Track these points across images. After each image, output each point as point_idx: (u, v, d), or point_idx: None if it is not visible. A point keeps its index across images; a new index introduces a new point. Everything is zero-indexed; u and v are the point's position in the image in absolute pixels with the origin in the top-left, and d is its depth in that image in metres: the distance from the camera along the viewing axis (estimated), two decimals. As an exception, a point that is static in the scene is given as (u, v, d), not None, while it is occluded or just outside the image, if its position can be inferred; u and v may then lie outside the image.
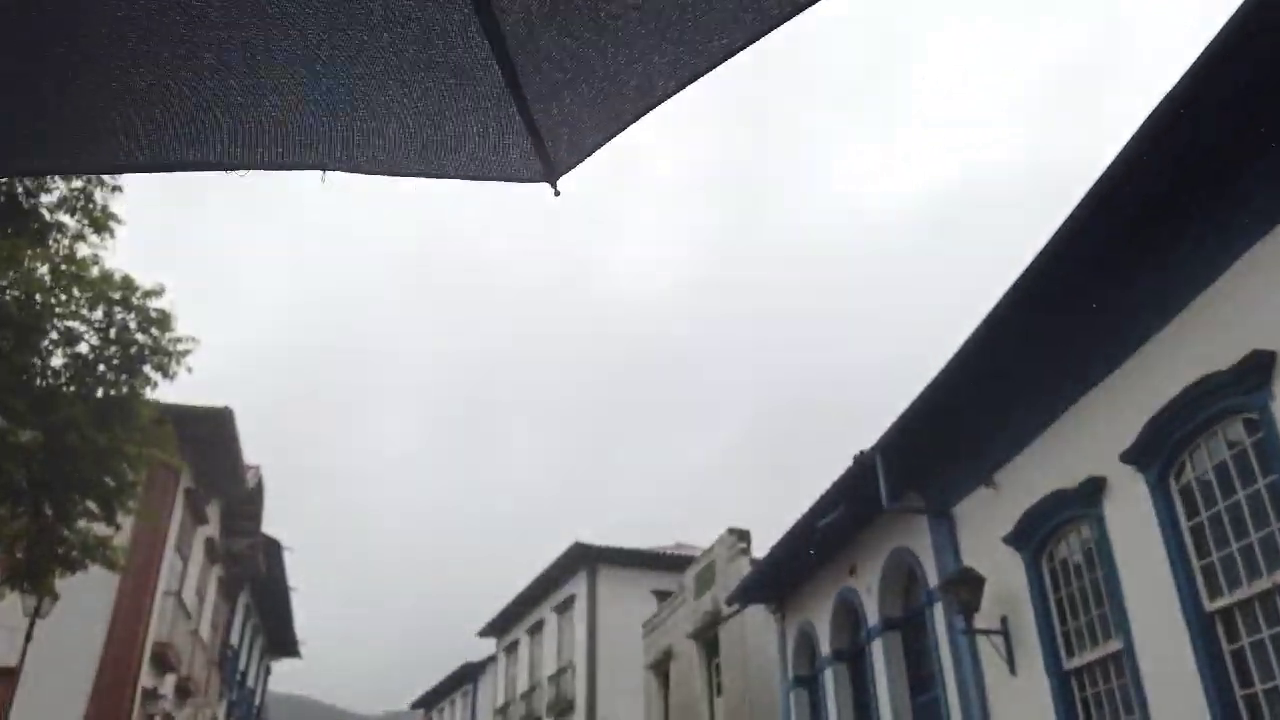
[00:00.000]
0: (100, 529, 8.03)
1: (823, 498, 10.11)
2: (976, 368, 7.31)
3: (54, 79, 1.38)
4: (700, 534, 26.23)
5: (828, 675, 11.55)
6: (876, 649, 10.25)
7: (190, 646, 17.08)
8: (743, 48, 1.36)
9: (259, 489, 19.50)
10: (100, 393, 7.56)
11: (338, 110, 1.47)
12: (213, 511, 18.18)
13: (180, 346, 7.74)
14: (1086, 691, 6.91)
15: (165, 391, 7.85)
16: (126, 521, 13.69)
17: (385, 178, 1.54)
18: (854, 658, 11.27)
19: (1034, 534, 7.44)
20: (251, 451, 18.36)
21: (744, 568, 15.03)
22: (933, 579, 9.04)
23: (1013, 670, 7.63)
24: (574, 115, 1.50)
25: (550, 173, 1.54)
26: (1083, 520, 6.90)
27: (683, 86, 1.43)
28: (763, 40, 1.32)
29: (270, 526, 23.29)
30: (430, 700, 40.31)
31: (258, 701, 28.92)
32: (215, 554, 18.71)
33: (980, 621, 7.76)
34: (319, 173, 1.50)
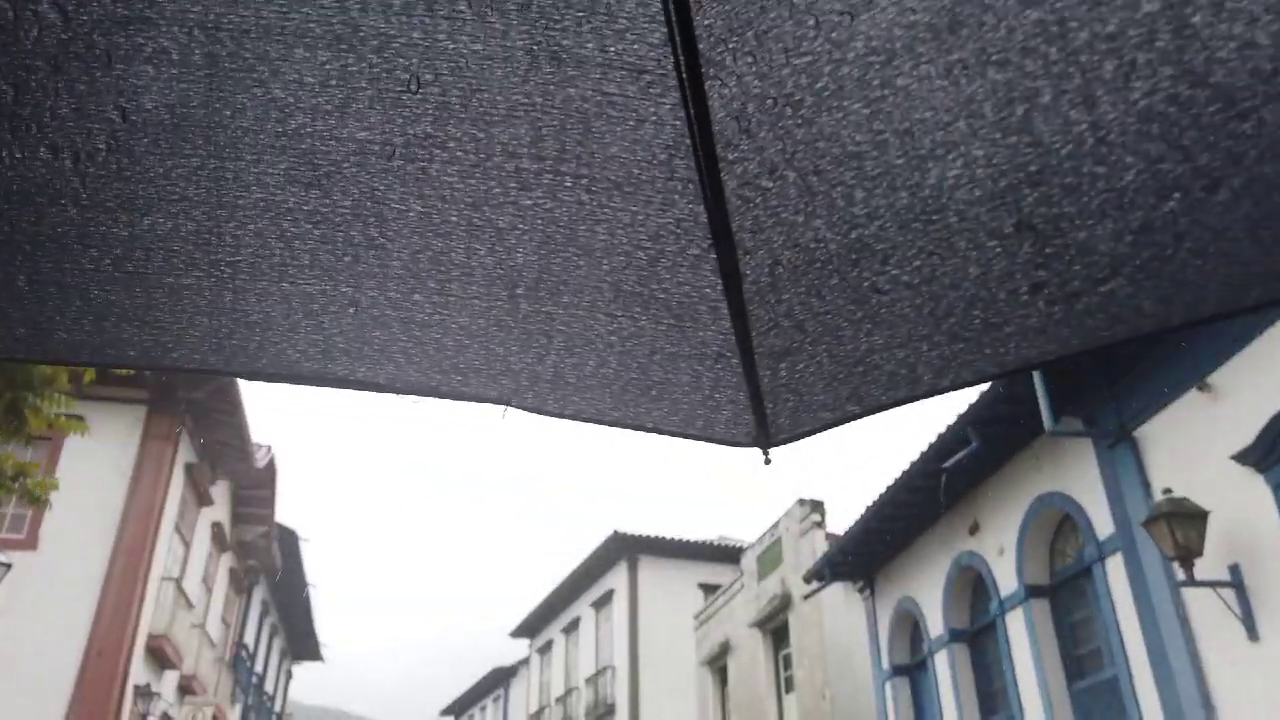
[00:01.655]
0: (22, 455, 6.29)
1: (943, 436, 8.14)
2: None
3: (230, 287, 1.25)
4: (743, 531, 24.17)
5: (940, 660, 9.54)
6: (1014, 624, 8.24)
7: (195, 642, 15.36)
8: (1052, 361, 1.16)
9: (271, 470, 17.80)
10: None
11: (533, 340, 1.29)
12: (220, 494, 16.50)
13: None
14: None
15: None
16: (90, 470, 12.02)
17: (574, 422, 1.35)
18: (977, 637, 9.25)
19: (1283, 447, 5.44)
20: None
21: (819, 543, 13.04)
22: (1104, 526, 7.03)
23: (1252, 634, 5.61)
24: (806, 384, 1.29)
25: (764, 438, 1.32)
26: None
27: (956, 388, 1.21)
28: None
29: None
30: (460, 707, 38.50)
31: (278, 708, 27.22)
32: (224, 542, 17.02)
33: (1199, 571, 5.75)
34: (501, 408, 1.34)
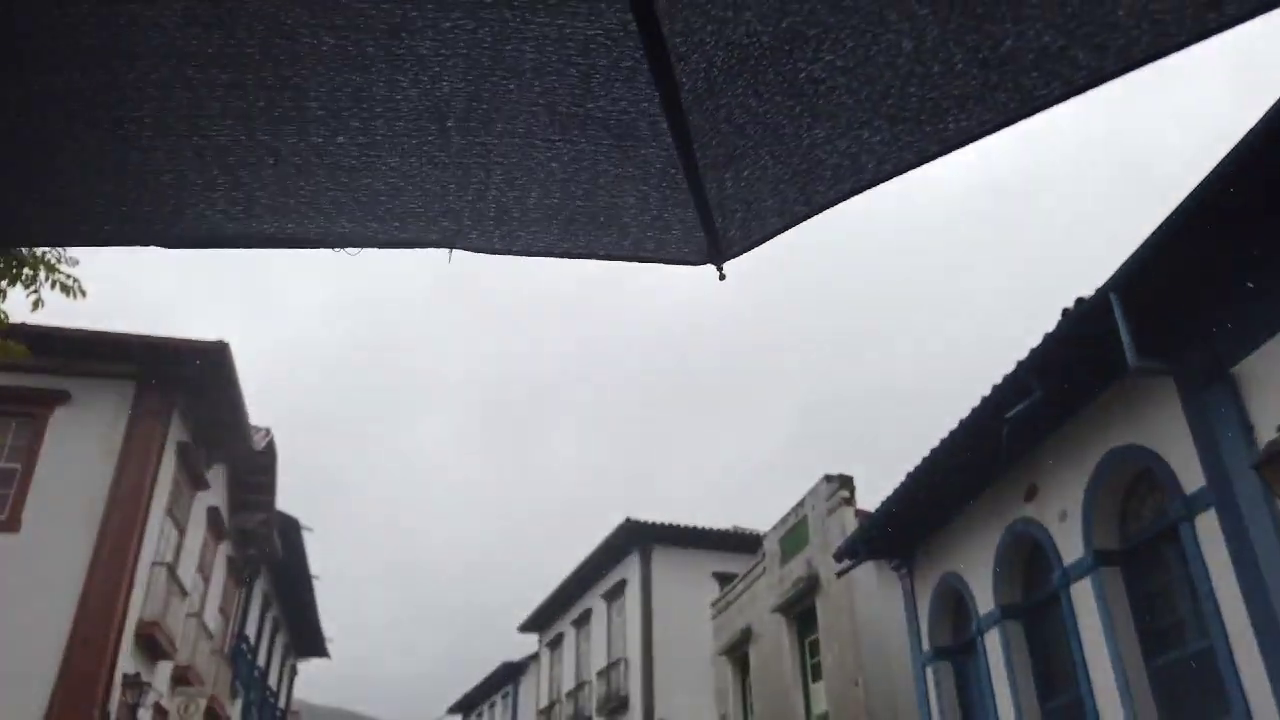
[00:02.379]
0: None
1: (1000, 388, 7.35)
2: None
3: (138, 145, 1.17)
4: (757, 521, 23.33)
5: (991, 640, 8.75)
6: (1080, 595, 7.45)
7: (191, 632, 14.65)
8: (991, 131, 1.10)
9: (270, 454, 17.08)
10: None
11: (470, 175, 1.22)
12: (217, 478, 15.79)
13: None
14: None
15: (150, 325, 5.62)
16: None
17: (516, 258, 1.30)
18: (1034, 613, 8.46)
19: None
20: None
21: (848, 520, 12.26)
22: (1192, 480, 6.24)
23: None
24: (752, 191, 1.26)
25: (717, 253, 1.32)
26: None
27: (900, 172, 1.17)
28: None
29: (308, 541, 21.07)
30: (468, 704, 37.80)
31: (282, 704, 26.53)
32: (221, 529, 16.30)
33: (1322, 520, 4.96)
34: (445, 251, 1.26)
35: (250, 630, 20.47)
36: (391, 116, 1.13)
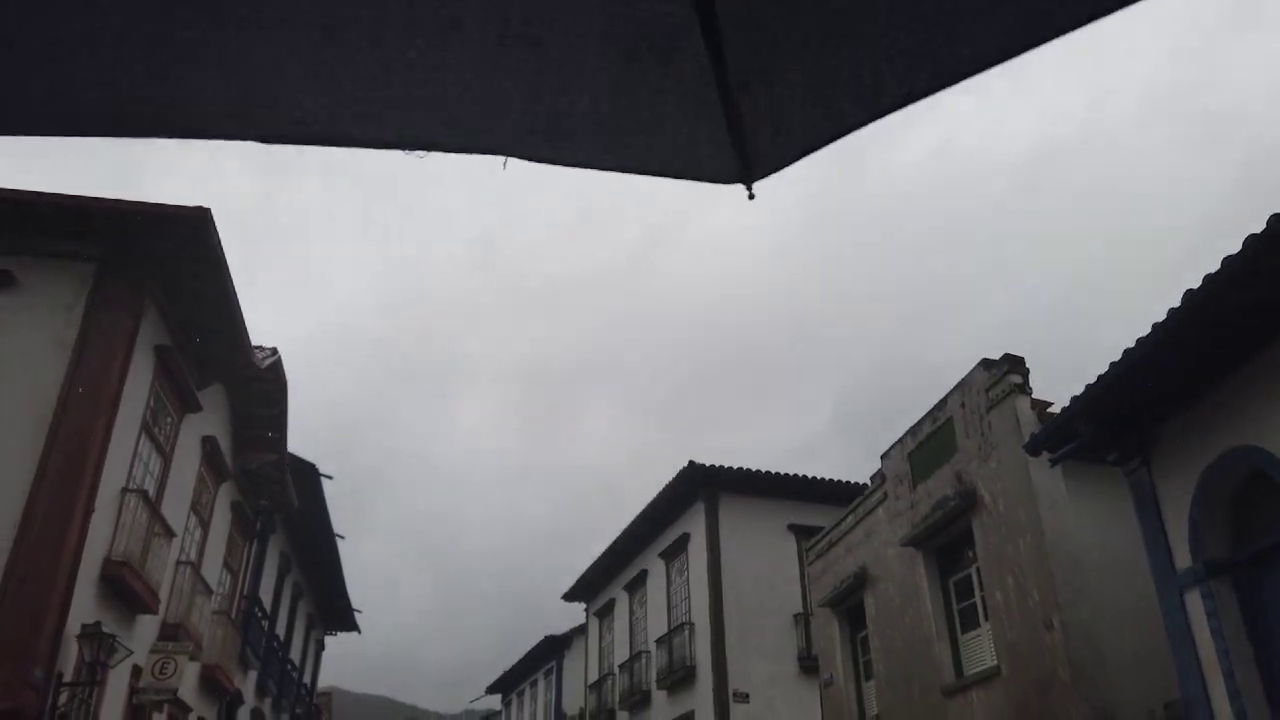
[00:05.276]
0: None
1: None
2: None
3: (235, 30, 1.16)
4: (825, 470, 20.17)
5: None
6: None
7: (184, 584, 12.07)
8: (1014, 55, 1.11)
9: (278, 382, 14.43)
10: None
11: (527, 83, 1.23)
12: (214, 404, 13.17)
13: None
14: None
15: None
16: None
17: (564, 167, 1.33)
18: None
19: None
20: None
21: (1023, 412, 9.30)
22: None
23: None
24: (782, 109, 1.28)
25: (746, 172, 1.32)
26: None
27: (920, 97, 1.20)
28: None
29: (346, 526, 18.44)
30: (508, 683, 35.34)
31: (307, 680, 24.11)
32: (222, 466, 13.69)
33: None
34: (499, 159, 1.29)
35: (266, 595, 17.96)
36: (455, 27, 1.16)
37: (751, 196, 1.34)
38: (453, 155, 1.32)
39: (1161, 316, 6.46)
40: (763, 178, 1.33)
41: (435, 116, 1.29)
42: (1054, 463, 7.99)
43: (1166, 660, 7.30)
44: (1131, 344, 6.77)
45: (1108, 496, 8.42)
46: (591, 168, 1.35)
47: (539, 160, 1.32)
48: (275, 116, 1.27)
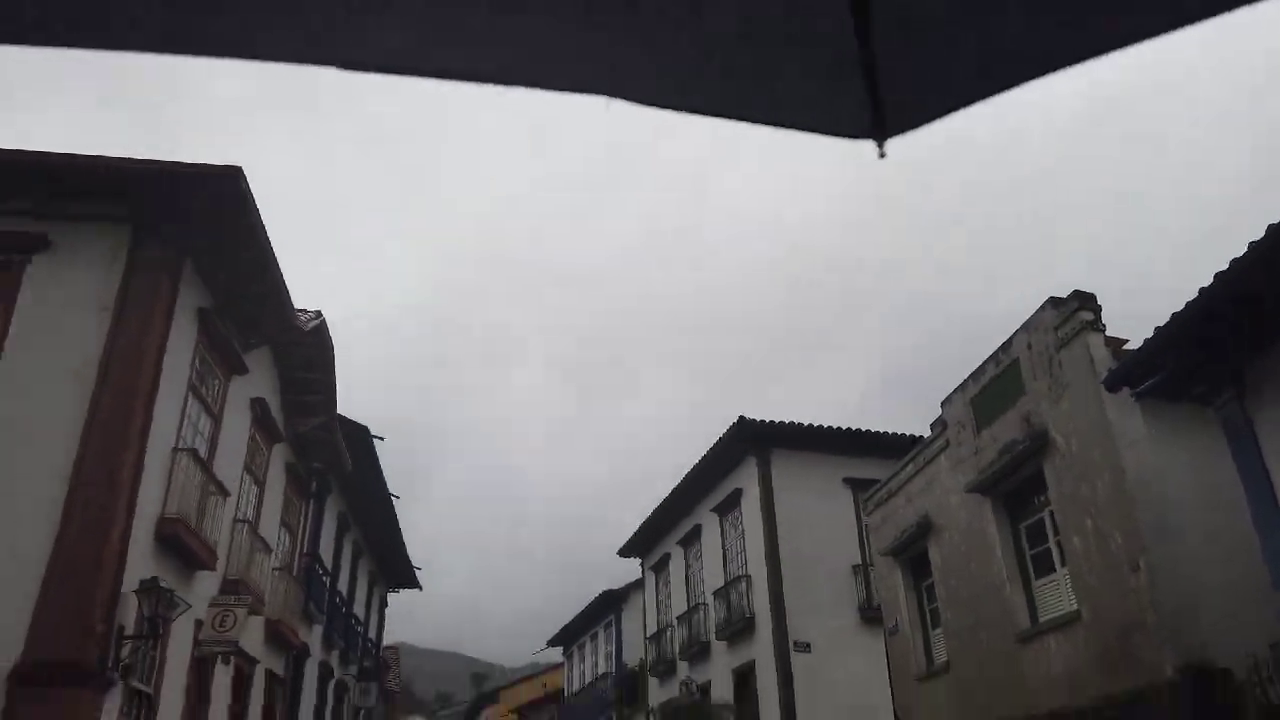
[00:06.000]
0: None
1: None
2: None
3: None
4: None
5: None
6: None
7: (242, 542, 12.24)
8: (1173, 29, 1.05)
9: (323, 345, 14.43)
10: None
11: (637, 18, 1.12)
12: (261, 367, 13.22)
13: None
14: None
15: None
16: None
17: (667, 111, 1.24)
18: None
19: None
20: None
21: (1096, 349, 8.61)
22: None
23: None
24: (925, 65, 1.20)
25: (880, 130, 1.22)
26: None
27: (1079, 60, 1.12)
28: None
29: (409, 487, 18.55)
30: (568, 636, 35.93)
31: (372, 634, 24.76)
32: (273, 428, 13.80)
33: None
34: (605, 100, 1.21)
35: (326, 554, 18.31)
36: None
37: (883, 155, 1.27)
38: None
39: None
40: (897, 135, 1.26)
41: (536, 52, 1.20)
42: (1137, 397, 7.34)
43: (1263, 604, 6.70)
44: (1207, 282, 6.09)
45: (1187, 433, 7.75)
46: (704, 114, 1.26)
47: (650, 104, 1.24)
48: (363, 41, 1.17)
